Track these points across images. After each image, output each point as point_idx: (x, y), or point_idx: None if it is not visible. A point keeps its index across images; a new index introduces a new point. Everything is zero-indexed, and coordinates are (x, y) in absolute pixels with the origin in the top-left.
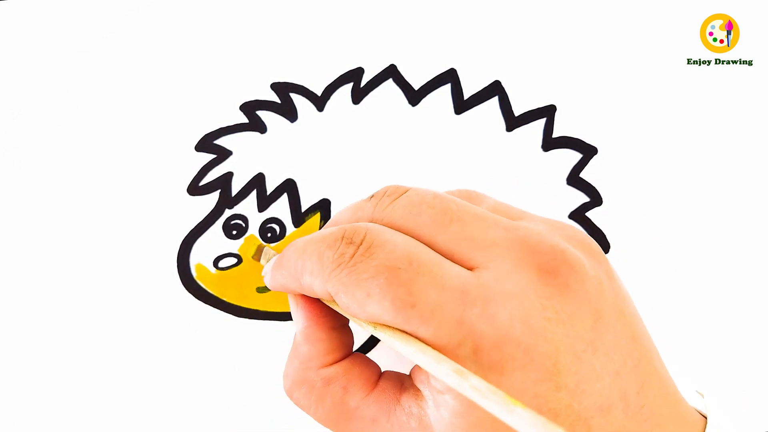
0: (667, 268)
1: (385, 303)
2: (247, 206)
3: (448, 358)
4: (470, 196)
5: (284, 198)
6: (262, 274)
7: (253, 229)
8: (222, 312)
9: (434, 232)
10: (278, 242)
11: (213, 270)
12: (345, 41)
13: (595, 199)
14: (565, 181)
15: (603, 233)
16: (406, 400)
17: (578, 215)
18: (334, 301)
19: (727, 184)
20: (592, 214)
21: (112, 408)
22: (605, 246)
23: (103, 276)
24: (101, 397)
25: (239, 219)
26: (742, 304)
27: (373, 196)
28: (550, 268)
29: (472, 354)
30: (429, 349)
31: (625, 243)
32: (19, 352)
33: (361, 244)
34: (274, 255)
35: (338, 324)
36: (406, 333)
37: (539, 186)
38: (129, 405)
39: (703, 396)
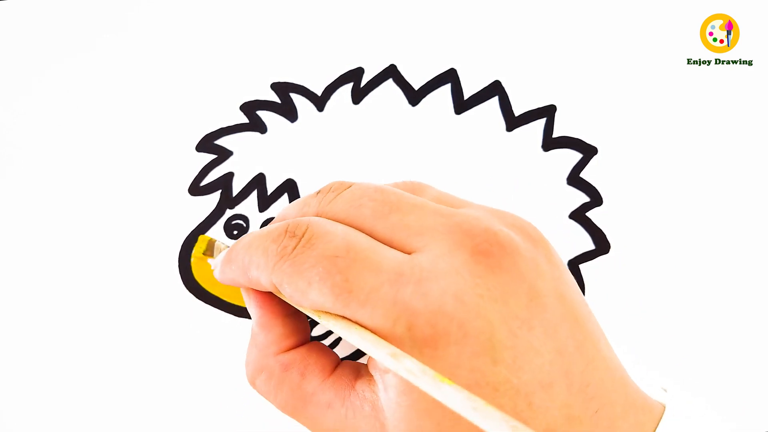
0: (667, 267)
1: (325, 290)
2: (248, 206)
3: (385, 341)
4: (414, 188)
5: (285, 198)
6: (212, 267)
7: (254, 229)
8: (222, 312)
9: (374, 223)
10: None
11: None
12: (345, 41)
13: (595, 199)
14: (565, 181)
15: (603, 233)
16: (361, 385)
17: (578, 215)
18: (280, 292)
19: (728, 184)
20: (592, 214)
21: (112, 407)
22: (605, 246)
23: (104, 276)
24: (101, 396)
25: (240, 219)
26: (743, 303)
27: (319, 191)
28: (482, 249)
29: (407, 331)
30: (368, 333)
31: (625, 243)
32: (19, 351)
33: (302, 236)
34: (225, 249)
35: (291, 311)
36: (348, 319)
37: (539, 186)
38: (129, 404)
39: (666, 391)
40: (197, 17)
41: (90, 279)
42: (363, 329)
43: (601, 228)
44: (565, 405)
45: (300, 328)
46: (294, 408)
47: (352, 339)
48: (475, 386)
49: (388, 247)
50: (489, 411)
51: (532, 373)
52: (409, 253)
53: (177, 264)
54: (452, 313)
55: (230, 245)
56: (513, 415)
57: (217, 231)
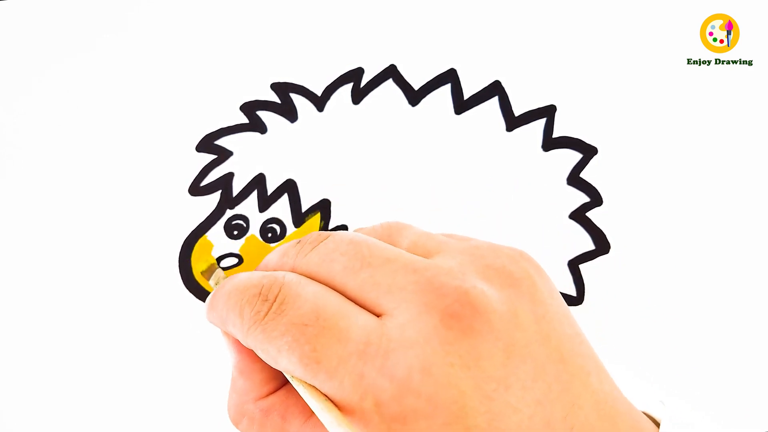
0: (667, 267)
1: (293, 359)
2: (248, 206)
3: (346, 420)
4: (391, 233)
5: (285, 198)
6: (205, 304)
7: (254, 230)
8: None
9: (346, 280)
10: (278, 242)
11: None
12: (345, 41)
13: (595, 199)
14: (565, 181)
15: (603, 233)
16: None
17: (578, 215)
18: None
19: (728, 184)
20: (592, 214)
21: (112, 408)
22: (605, 246)
23: (104, 276)
24: (101, 396)
25: (240, 219)
26: (743, 303)
27: (299, 241)
28: (453, 311)
29: (374, 407)
30: (333, 408)
31: (625, 243)
32: (19, 352)
33: (274, 301)
34: (222, 279)
35: None
36: (316, 388)
37: (539, 186)
38: (129, 405)
39: (664, 404)
40: (197, 17)
41: (90, 279)
42: (329, 402)
43: (601, 228)
44: None
45: (279, 372)
46: None
47: (315, 409)
48: None
49: (359, 310)
50: None
51: None
52: (379, 315)
53: (177, 264)
54: (420, 389)
55: (224, 275)
56: None
57: (217, 231)
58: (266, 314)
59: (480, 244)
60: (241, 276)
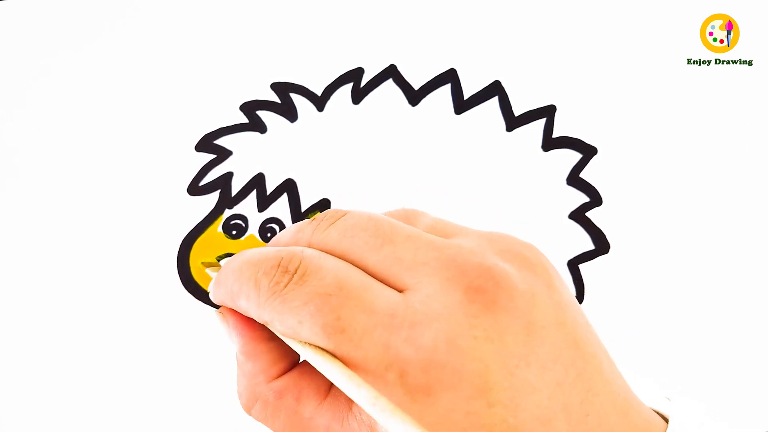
0: (666, 267)
1: (316, 329)
2: (247, 206)
3: (367, 384)
4: (408, 216)
5: (284, 198)
6: (208, 289)
7: (253, 229)
8: None
9: (367, 255)
10: None
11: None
12: (345, 41)
13: (595, 199)
14: (565, 181)
15: (603, 233)
16: (357, 407)
17: (578, 215)
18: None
19: (727, 184)
20: (592, 214)
21: (111, 407)
22: (605, 246)
23: (103, 275)
24: (101, 396)
25: (239, 219)
26: (742, 303)
27: (314, 218)
28: (476, 285)
29: (398, 378)
30: (353, 374)
31: (625, 243)
32: (19, 352)
33: (295, 272)
34: None
35: (275, 335)
36: (336, 357)
37: (539, 186)
38: (128, 404)
39: (670, 401)
40: (197, 17)
41: (89, 278)
42: (348, 369)
43: (600, 228)
44: None
45: (288, 351)
46: None
47: (332, 376)
48: (470, 429)
49: (381, 284)
50: None
51: (530, 411)
52: (401, 290)
53: (176, 264)
54: (446, 360)
55: None
56: None
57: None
58: (286, 285)
59: (495, 232)
60: (252, 251)
